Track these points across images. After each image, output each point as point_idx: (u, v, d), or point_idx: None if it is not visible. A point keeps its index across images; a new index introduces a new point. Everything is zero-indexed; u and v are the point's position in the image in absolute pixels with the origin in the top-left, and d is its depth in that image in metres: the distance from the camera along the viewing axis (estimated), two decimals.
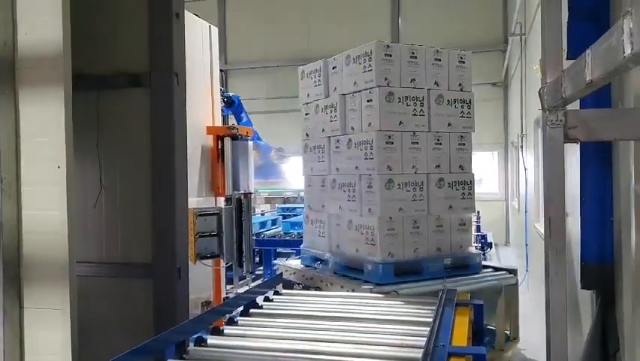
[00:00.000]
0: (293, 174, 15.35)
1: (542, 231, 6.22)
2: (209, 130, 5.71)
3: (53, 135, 2.94)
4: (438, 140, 4.22)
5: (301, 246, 5.05)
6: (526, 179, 8.86)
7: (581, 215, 3.15)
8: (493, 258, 9.16)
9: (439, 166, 4.24)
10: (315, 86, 4.72)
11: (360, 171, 4.15)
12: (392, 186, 4.01)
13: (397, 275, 3.99)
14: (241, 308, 3.36)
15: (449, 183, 4.28)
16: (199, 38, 5.67)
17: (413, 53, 4.17)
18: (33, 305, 2.99)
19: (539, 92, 2.27)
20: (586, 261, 3.16)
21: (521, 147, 9.56)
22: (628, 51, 1.11)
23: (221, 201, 5.80)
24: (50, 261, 2.96)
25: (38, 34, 3.01)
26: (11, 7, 3.06)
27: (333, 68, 4.53)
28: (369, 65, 4.07)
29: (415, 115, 4.13)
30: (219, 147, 5.71)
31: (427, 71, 4.23)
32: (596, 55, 1.38)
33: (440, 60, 4.30)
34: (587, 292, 3.38)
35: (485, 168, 15.68)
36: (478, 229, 8.35)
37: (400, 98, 4.06)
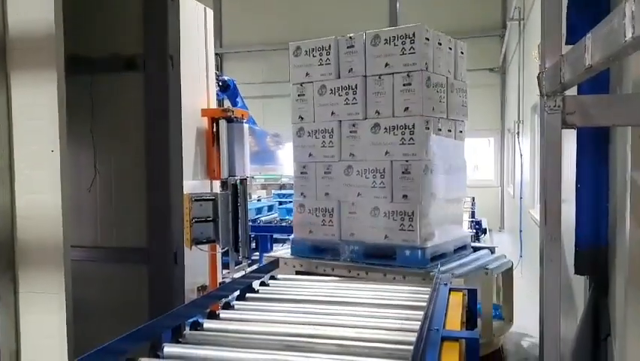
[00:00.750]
0: (290, 160, 15.32)
1: (537, 217, 6.25)
2: (204, 112, 5.65)
3: (47, 119, 2.91)
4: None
5: (291, 236, 4.92)
6: (521, 165, 8.87)
7: (576, 201, 3.15)
8: (488, 244, 9.21)
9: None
10: (321, 65, 4.42)
11: (393, 156, 4.10)
12: (427, 172, 4.06)
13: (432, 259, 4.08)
14: (237, 293, 3.37)
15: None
16: (194, 21, 5.60)
17: (440, 40, 4.22)
18: (28, 290, 2.98)
19: (538, 77, 2.26)
20: (580, 247, 3.18)
21: (518, 133, 9.56)
22: (629, 35, 1.10)
23: (216, 185, 5.79)
24: (45, 245, 2.94)
25: (30, 14, 2.96)
26: None
27: (349, 47, 4.29)
28: (412, 48, 3.96)
29: (441, 102, 4.21)
30: (214, 129, 5.66)
31: (446, 58, 4.32)
32: (596, 39, 1.37)
33: (451, 49, 4.39)
34: (581, 278, 3.40)
35: (481, 154, 15.71)
36: (473, 215, 8.37)
37: (434, 83, 4.09)
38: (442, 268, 3.93)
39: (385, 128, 4.07)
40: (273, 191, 13.85)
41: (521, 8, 9.12)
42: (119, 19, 4.06)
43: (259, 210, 10.40)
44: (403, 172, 4.00)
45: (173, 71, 3.94)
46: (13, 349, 2.99)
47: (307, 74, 4.51)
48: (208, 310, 3.04)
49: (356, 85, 4.19)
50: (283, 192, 13.31)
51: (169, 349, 2.35)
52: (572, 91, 2.46)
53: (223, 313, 2.98)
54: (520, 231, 8.62)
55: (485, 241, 9.12)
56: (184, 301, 4.12)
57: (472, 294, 3.33)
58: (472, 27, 14.26)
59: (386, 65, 4.07)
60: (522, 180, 8.87)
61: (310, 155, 4.56)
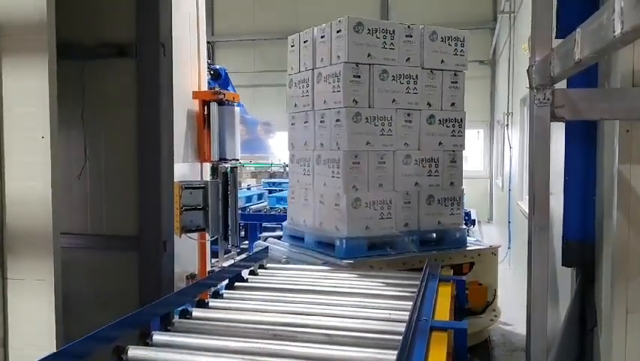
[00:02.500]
0: (280, 149, 15.32)
1: (525, 209, 6.30)
2: (196, 95, 5.64)
3: (37, 105, 2.88)
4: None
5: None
6: (510, 157, 8.93)
7: (564, 193, 3.19)
8: (476, 235, 9.28)
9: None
10: (384, 48, 4.20)
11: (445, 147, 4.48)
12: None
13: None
14: (226, 281, 3.38)
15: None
16: (186, 8, 5.57)
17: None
18: (17, 276, 2.97)
19: (528, 70, 2.27)
20: (568, 239, 3.22)
21: (507, 125, 9.61)
22: (618, 30, 1.11)
23: (206, 168, 5.79)
24: (34, 232, 2.93)
25: (22, 0, 2.93)
26: None
27: (407, 36, 4.33)
28: (462, 51, 4.49)
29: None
30: (205, 112, 5.66)
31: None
32: (585, 33, 1.38)
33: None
34: (568, 269, 3.45)
35: (470, 145, 15.77)
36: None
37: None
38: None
39: (440, 121, 4.30)
40: (262, 179, 13.83)
41: (512, 1, 9.14)
42: (111, 6, 4.03)
43: (249, 199, 10.39)
44: (451, 161, 4.34)
45: (165, 58, 3.91)
46: (0, 336, 2.98)
47: (369, 55, 4.14)
48: (197, 298, 3.05)
49: (417, 75, 4.26)
50: (273, 180, 13.30)
51: (158, 337, 2.36)
52: (562, 85, 2.48)
53: (212, 302, 2.99)
54: (509, 222, 8.69)
55: (474, 232, 9.20)
56: (173, 289, 4.12)
57: (460, 284, 3.37)
58: (463, 19, 14.26)
59: (442, 61, 4.28)
60: (511, 172, 8.93)
61: (368, 143, 4.17)
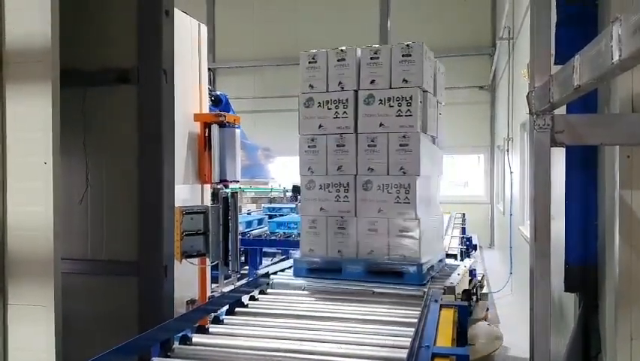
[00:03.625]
0: (280, 174, 15.37)
1: (527, 234, 6.29)
2: (197, 117, 5.71)
3: (40, 131, 2.90)
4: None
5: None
6: (511, 182, 8.94)
7: (565, 218, 3.19)
8: (478, 260, 9.24)
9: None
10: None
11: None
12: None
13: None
14: (227, 307, 3.36)
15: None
16: (188, 36, 5.65)
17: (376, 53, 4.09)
18: (17, 302, 2.95)
19: (527, 96, 2.30)
20: (570, 263, 3.20)
21: (507, 150, 9.64)
22: (616, 57, 1.13)
23: (207, 191, 5.79)
24: (35, 258, 2.93)
25: (26, 28, 2.98)
26: (0, 1, 3.02)
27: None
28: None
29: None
30: (206, 134, 5.71)
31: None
32: (584, 60, 1.40)
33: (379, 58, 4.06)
34: (571, 294, 3.43)
35: (471, 171, 15.81)
36: (464, 231, 8.40)
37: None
38: None
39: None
40: (262, 205, 13.82)
41: (511, 28, 9.26)
42: (113, 33, 4.08)
43: (249, 224, 10.37)
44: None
45: (167, 85, 3.95)
46: None
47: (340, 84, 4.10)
48: (197, 324, 3.03)
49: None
50: (273, 205, 13.29)
51: None
52: (561, 110, 2.50)
53: (212, 328, 2.97)
54: (510, 247, 8.66)
55: (475, 257, 9.16)
56: (173, 315, 4.09)
57: (462, 310, 3.34)
58: (463, 45, 14.44)
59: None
60: (512, 197, 8.93)
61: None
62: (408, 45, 4.01)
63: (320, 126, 4.13)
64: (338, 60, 4.12)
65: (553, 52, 2.93)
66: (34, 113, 2.92)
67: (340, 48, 4.13)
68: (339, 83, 4.11)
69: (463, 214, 10.05)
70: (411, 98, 3.91)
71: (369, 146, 4.01)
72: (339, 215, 4.08)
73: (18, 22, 3.01)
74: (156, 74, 3.90)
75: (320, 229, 4.14)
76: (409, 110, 3.92)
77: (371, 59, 4.05)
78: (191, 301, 5.48)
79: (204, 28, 6.08)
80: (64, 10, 3.08)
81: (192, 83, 5.68)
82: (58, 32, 2.98)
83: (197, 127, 5.67)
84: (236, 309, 3.36)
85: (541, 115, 2.04)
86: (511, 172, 8.92)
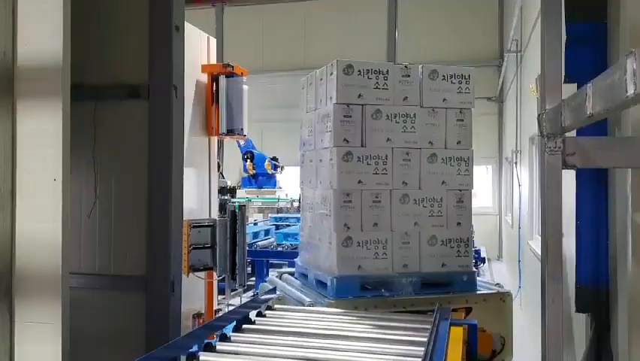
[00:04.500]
0: (288, 184, 15.39)
1: (536, 248, 6.24)
2: (204, 68, 5.76)
3: (50, 147, 2.92)
4: None
5: (337, 274, 3.97)
6: (520, 195, 8.89)
7: (576, 238, 3.15)
8: (486, 273, 9.17)
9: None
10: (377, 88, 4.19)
11: (449, 185, 4.13)
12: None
13: None
14: (234, 323, 3.34)
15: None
16: (198, 49, 5.69)
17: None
18: (25, 319, 2.95)
19: (538, 118, 2.28)
20: (581, 283, 3.17)
21: (516, 162, 9.60)
22: (631, 91, 1.12)
23: (214, 141, 5.97)
24: (43, 274, 2.93)
25: (38, 45, 3.00)
26: (12, 18, 3.05)
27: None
28: (467, 88, 4.16)
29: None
30: (214, 88, 5.75)
31: None
32: (597, 90, 1.39)
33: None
34: (582, 315, 3.39)
35: (479, 181, 15.76)
36: (472, 243, 8.35)
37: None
38: None
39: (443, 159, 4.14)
40: (270, 215, 13.84)
41: (518, 41, 9.24)
42: (124, 48, 4.11)
43: (256, 235, 10.37)
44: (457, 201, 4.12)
45: (177, 100, 3.96)
46: None
47: (360, 95, 4.08)
48: (205, 341, 3.01)
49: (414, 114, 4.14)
50: (280, 215, 13.31)
51: None
52: (572, 131, 2.48)
53: (219, 346, 2.95)
54: (519, 261, 8.60)
55: (484, 270, 9.09)
56: (180, 330, 4.09)
57: (472, 329, 3.31)
58: (470, 57, 14.43)
59: (443, 99, 4.15)
60: (520, 210, 8.87)
61: (360, 182, 4.07)
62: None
63: (304, 144, 4.33)
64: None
65: (562, 69, 2.92)
66: (44, 131, 2.94)
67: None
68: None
69: (472, 228, 9.98)
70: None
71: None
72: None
73: (30, 40, 3.04)
74: (166, 89, 3.93)
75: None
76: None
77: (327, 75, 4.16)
78: (198, 315, 5.47)
79: (213, 41, 6.12)
80: (75, 25, 3.10)
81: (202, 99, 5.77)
82: (70, 49, 3.00)
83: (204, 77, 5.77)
84: (244, 326, 3.33)
85: (552, 138, 2.03)
86: (519, 185, 8.87)
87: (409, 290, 4.06)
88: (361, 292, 3.99)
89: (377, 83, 4.10)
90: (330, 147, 4.08)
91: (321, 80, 4.29)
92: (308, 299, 3.93)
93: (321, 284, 4.26)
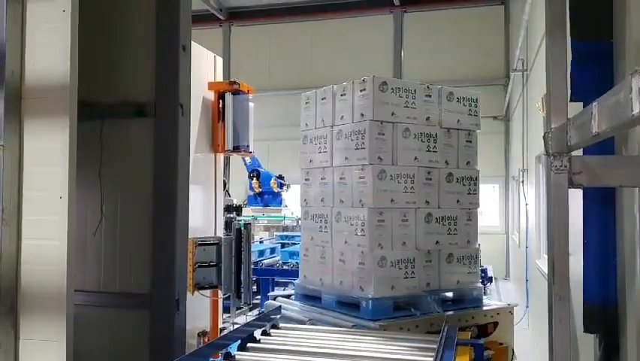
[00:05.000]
0: (294, 203, 15.37)
1: (543, 268, 6.18)
2: (211, 86, 5.79)
3: (57, 166, 2.94)
4: None
5: (373, 295, 3.95)
6: (527, 214, 8.84)
7: (583, 256, 3.12)
8: (493, 293, 9.09)
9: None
10: (407, 107, 4.38)
11: (462, 204, 4.43)
12: None
13: None
14: (238, 342, 3.32)
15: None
16: (204, 68, 5.74)
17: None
18: (29, 337, 2.95)
19: (544, 136, 2.28)
20: (588, 303, 3.13)
21: (522, 181, 9.56)
22: (636, 109, 1.11)
23: (220, 158, 5.98)
24: (48, 292, 2.93)
25: (46, 64, 3.04)
26: (21, 37, 3.09)
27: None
28: (475, 111, 4.49)
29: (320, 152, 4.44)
30: (220, 105, 5.77)
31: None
32: (602, 108, 1.39)
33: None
34: (591, 335, 3.34)
35: (486, 200, 15.69)
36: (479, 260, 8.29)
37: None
38: None
39: (457, 179, 4.32)
40: (275, 233, 13.82)
41: (524, 60, 9.27)
42: (131, 66, 4.14)
43: (261, 253, 10.34)
44: (467, 219, 4.33)
45: (183, 118, 3.99)
46: None
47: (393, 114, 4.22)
48: (209, 360, 2.99)
49: (436, 134, 4.28)
50: (286, 233, 13.29)
51: None
52: (578, 149, 2.47)
53: None
54: (527, 280, 8.52)
55: (491, 290, 9.02)
56: (185, 347, 4.06)
57: (478, 348, 3.27)
58: (476, 76, 14.48)
59: (458, 121, 4.34)
60: (527, 229, 8.82)
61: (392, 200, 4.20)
62: (364, 80, 4.16)
63: (310, 161, 4.43)
64: (321, 99, 4.44)
65: (568, 87, 2.92)
66: (51, 148, 2.96)
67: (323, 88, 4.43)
68: (322, 120, 4.40)
69: (478, 244, 9.92)
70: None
71: (340, 179, 4.27)
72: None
73: (38, 58, 3.07)
74: (173, 107, 3.95)
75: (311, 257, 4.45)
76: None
77: (340, 95, 4.27)
78: (203, 333, 5.44)
79: (220, 60, 6.17)
80: (82, 44, 3.14)
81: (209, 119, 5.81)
82: (77, 68, 3.03)
83: (211, 95, 5.81)
84: (248, 344, 3.31)
85: (558, 156, 2.03)
86: (526, 204, 8.83)
87: (434, 308, 4.06)
88: (394, 312, 3.99)
89: (407, 101, 4.14)
90: (362, 164, 4.06)
91: (342, 95, 4.23)
92: (349, 324, 3.88)
93: (345, 305, 4.17)
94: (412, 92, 4.17)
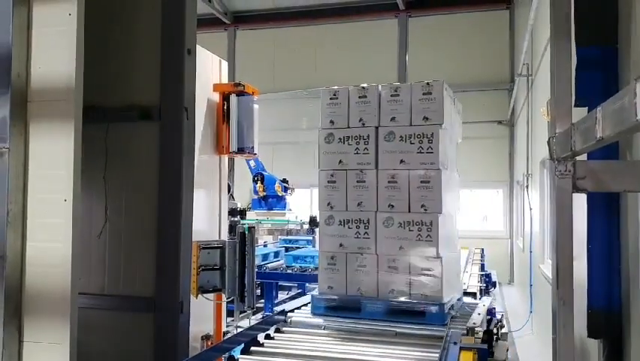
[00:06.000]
0: (298, 206, 15.39)
1: (547, 273, 6.17)
2: (216, 87, 5.80)
3: (61, 169, 2.95)
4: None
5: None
6: (531, 219, 8.82)
7: (588, 261, 3.11)
8: (497, 298, 9.06)
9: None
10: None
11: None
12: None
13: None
14: (242, 346, 3.32)
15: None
16: (209, 71, 5.77)
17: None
18: (33, 339, 2.95)
19: (548, 141, 2.28)
20: (593, 308, 3.12)
21: (527, 186, 9.54)
22: None
23: (224, 160, 5.97)
24: (52, 294, 2.94)
25: (52, 67, 3.05)
26: (27, 40, 3.11)
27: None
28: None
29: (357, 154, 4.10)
30: (225, 107, 5.78)
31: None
32: (607, 113, 1.39)
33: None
34: (595, 340, 3.33)
35: (490, 205, 15.66)
36: (483, 267, 8.26)
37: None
38: None
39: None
40: (279, 236, 13.81)
41: (529, 65, 9.26)
42: (137, 70, 4.16)
43: (265, 257, 10.33)
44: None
45: (188, 122, 4.00)
46: None
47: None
48: None
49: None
50: (290, 237, 13.28)
51: None
52: (583, 154, 2.47)
53: None
54: (531, 285, 8.50)
55: (495, 294, 8.98)
56: (188, 351, 4.06)
57: (482, 353, 3.26)
58: (481, 80, 14.47)
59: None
60: (532, 234, 8.80)
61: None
62: (428, 83, 4.04)
63: (340, 162, 4.10)
64: (359, 97, 4.11)
65: (572, 92, 2.91)
66: (56, 151, 2.98)
67: (362, 85, 4.15)
68: (360, 119, 4.10)
69: (482, 250, 9.92)
70: (432, 135, 3.92)
71: (389, 182, 4.00)
72: (359, 252, 4.03)
73: (44, 62, 3.09)
74: (178, 111, 3.97)
75: (340, 266, 4.06)
76: (430, 147, 3.92)
77: (392, 96, 4.04)
78: (207, 337, 5.44)
79: (225, 64, 6.20)
80: (88, 49, 3.15)
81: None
82: (82, 72, 3.05)
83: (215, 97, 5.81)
84: (252, 348, 3.32)
85: (562, 161, 2.02)
86: (530, 209, 8.81)
87: None
88: None
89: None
90: (428, 169, 3.90)
91: (394, 95, 4.03)
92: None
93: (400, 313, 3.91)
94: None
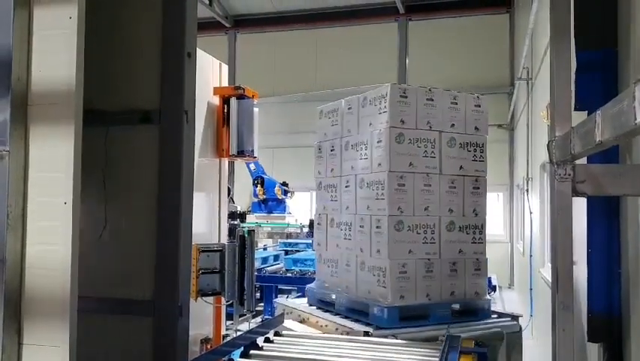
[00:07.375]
0: (298, 210, 15.41)
1: (547, 277, 6.16)
2: (216, 90, 5.81)
3: (62, 171, 2.94)
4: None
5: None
6: (531, 223, 8.82)
7: (587, 266, 3.12)
8: (498, 302, 9.06)
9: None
10: (333, 125, 4.57)
11: (372, 211, 4.03)
12: (402, 227, 3.90)
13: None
14: (241, 349, 3.32)
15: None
16: (209, 74, 5.77)
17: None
18: (32, 342, 2.95)
19: (548, 145, 2.28)
20: (593, 312, 3.12)
21: (527, 190, 9.55)
22: (639, 118, 1.11)
23: (224, 163, 5.97)
24: (52, 297, 2.93)
25: (52, 70, 3.05)
26: (27, 44, 3.11)
27: (348, 108, 4.39)
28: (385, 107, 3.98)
29: (425, 157, 4.04)
30: (225, 110, 5.79)
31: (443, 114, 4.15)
32: (606, 117, 1.39)
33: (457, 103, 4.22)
34: (594, 344, 3.33)
35: (490, 208, 15.65)
36: None
37: (410, 139, 3.97)
38: None
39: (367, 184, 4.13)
40: (279, 240, 13.83)
41: (529, 68, 9.28)
42: (137, 74, 4.16)
43: (265, 260, 10.34)
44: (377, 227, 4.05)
45: (188, 125, 4.00)
46: None
47: (325, 135, 4.69)
48: None
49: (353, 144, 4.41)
50: (289, 241, 13.29)
51: None
52: (582, 158, 2.47)
53: None
54: (531, 289, 8.49)
55: (495, 298, 8.99)
56: (188, 354, 4.05)
57: (482, 357, 3.26)
58: (481, 84, 14.49)
59: (369, 124, 4.23)
60: (532, 238, 8.80)
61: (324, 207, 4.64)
62: (478, 97, 4.32)
63: (410, 164, 3.98)
64: (427, 99, 4.09)
65: (572, 96, 2.92)
66: (56, 154, 2.97)
67: (429, 88, 4.16)
68: (428, 122, 4.09)
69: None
70: (482, 145, 4.27)
71: (449, 187, 4.14)
72: (426, 257, 4.03)
73: (44, 65, 3.09)
74: (178, 114, 3.96)
75: (410, 274, 3.96)
76: (481, 155, 4.26)
77: (451, 103, 4.18)
78: (206, 340, 5.43)
79: (225, 67, 6.20)
80: (88, 51, 3.15)
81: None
82: (83, 75, 3.05)
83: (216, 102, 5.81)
84: (251, 351, 3.31)
85: (562, 165, 2.03)
86: (530, 213, 8.81)
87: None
88: None
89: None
90: (479, 176, 4.21)
91: (402, 96, 3.96)
92: None
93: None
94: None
